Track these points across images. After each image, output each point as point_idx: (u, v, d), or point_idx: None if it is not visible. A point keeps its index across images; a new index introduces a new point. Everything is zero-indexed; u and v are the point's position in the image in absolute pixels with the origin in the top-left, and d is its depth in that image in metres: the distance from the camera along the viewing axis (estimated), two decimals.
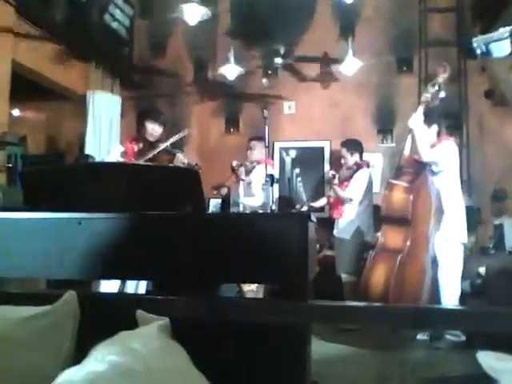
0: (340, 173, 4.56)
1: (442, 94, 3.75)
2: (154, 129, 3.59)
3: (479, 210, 5.44)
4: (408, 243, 3.45)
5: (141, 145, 3.56)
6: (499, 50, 1.91)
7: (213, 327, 1.27)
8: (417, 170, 3.67)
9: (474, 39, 1.96)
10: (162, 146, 3.51)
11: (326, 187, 5.00)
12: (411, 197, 3.48)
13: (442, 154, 3.62)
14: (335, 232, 4.61)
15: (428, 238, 3.50)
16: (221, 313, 1.29)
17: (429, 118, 3.76)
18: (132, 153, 3.52)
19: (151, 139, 3.56)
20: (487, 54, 1.93)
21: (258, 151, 4.68)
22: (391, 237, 3.61)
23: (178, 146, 3.95)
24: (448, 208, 3.57)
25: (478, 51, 1.94)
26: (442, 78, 3.72)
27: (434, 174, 3.64)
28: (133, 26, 6.38)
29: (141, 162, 3.37)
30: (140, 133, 3.65)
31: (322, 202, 5.06)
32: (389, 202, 3.66)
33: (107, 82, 6.20)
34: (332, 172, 4.61)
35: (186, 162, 3.53)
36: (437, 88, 3.72)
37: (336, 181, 4.46)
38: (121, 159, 3.42)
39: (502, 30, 1.92)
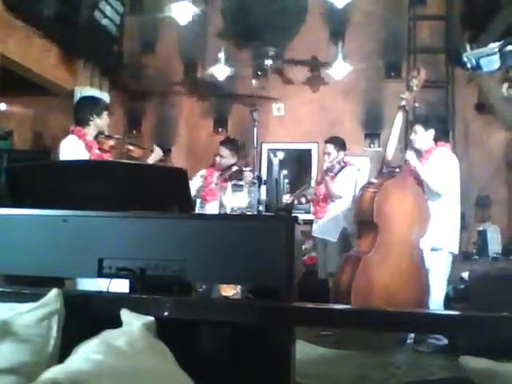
0: (327, 168, 4.38)
1: (418, 97, 3.73)
2: (107, 120, 3.45)
3: (463, 215, 5.49)
4: (374, 246, 3.41)
5: (92, 135, 3.33)
6: (489, 64, 1.96)
7: (197, 327, 1.27)
8: (394, 173, 3.64)
9: (465, 54, 2.01)
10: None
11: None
12: (377, 198, 3.44)
13: (445, 174, 3.55)
14: (316, 233, 4.47)
15: (408, 241, 3.45)
16: (206, 313, 1.29)
17: (426, 122, 3.75)
18: (92, 147, 3.27)
19: (106, 130, 3.40)
20: (477, 68, 1.97)
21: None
22: (360, 239, 3.60)
23: (165, 145, 3.92)
24: (441, 215, 3.52)
25: (469, 65, 1.99)
26: (416, 80, 3.67)
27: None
28: (123, 24, 6.34)
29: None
30: (88, 124, 3.29)
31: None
32: (358, 205, 3.65)
33: (96, 78, 6.15)
34: (328, 164, 4.39)
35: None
36: (411, 91, 3.68)
37: (330, 174, 4.26)
38: (84, 153, 3.23)
39: (492, 45, 1.97)
